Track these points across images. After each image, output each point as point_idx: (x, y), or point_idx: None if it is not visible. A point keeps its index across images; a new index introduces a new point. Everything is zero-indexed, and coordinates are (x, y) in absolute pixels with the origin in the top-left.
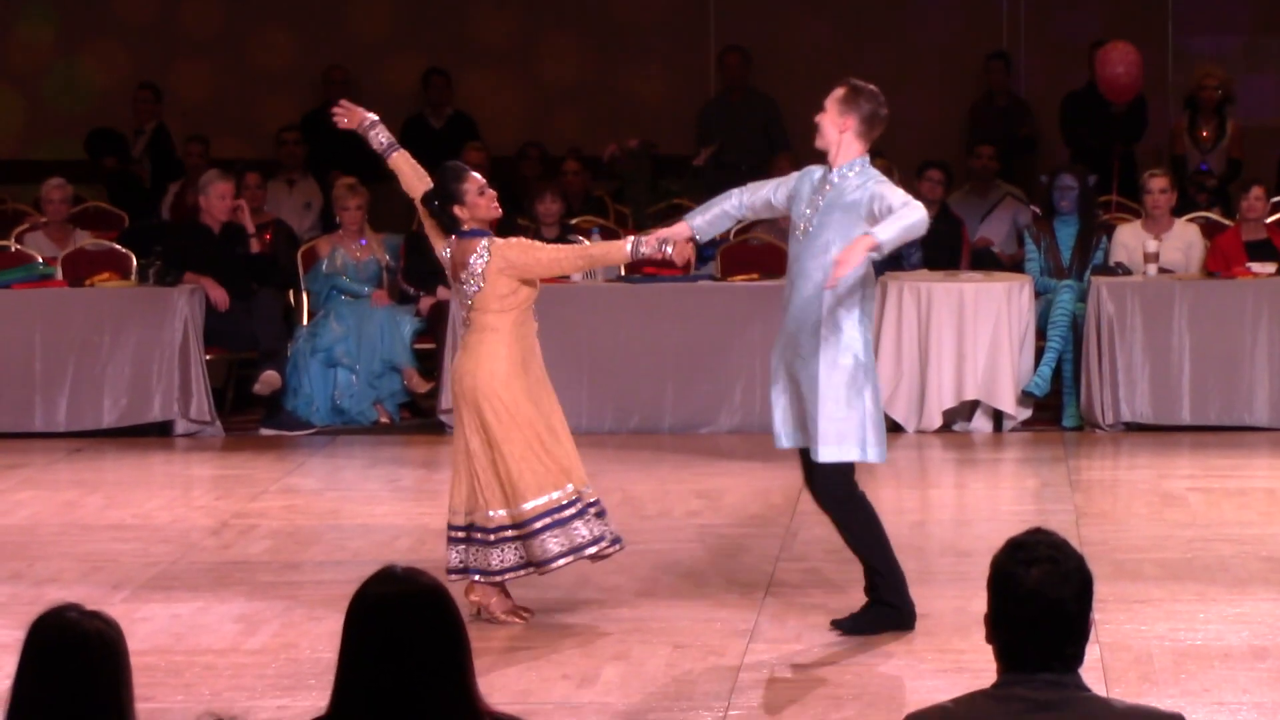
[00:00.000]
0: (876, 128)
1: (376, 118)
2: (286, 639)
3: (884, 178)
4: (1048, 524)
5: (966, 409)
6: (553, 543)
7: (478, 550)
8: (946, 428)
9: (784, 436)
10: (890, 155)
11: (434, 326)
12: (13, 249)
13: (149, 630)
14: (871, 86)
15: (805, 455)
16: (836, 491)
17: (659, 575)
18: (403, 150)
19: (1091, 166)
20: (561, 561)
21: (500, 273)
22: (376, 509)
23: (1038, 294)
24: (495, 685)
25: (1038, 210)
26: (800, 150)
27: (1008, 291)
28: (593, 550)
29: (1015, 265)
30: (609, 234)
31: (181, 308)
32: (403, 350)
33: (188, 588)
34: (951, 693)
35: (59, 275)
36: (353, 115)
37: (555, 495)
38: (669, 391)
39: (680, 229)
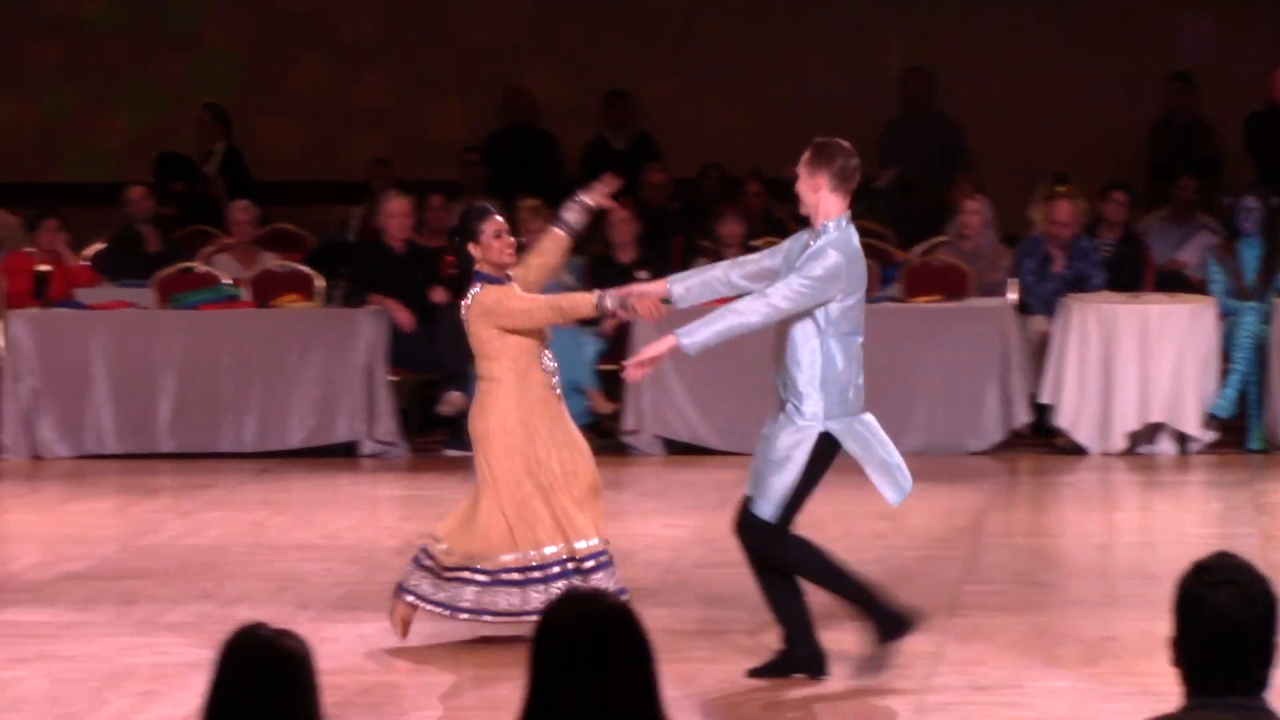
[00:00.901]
0: (851, 179)
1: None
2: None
3: (844, 243)
4: (1233, 547)
5: (1150, 431)
6: (503, 598)
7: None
8: (1130, 450)
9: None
10: (1075, 176)
11: (617, 348)
12: (200, 270)
13: (336, 650)
14: (839, 141)
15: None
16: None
17: None
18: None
19: (1275, 188)
20: (489, 619)
21: (479, 319)
22: None
23: (1222, 316)
24: (682, 707)
25: (1221, 232)
26: (982, 171)
27: (1191, 314)
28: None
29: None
30: None
31: (366, 329)
32: (586, 372)
33: (374, 608)
34: (1137, 716)
35: (246, 296)
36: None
37: (531, 554)
38: None
39: (655, 287)
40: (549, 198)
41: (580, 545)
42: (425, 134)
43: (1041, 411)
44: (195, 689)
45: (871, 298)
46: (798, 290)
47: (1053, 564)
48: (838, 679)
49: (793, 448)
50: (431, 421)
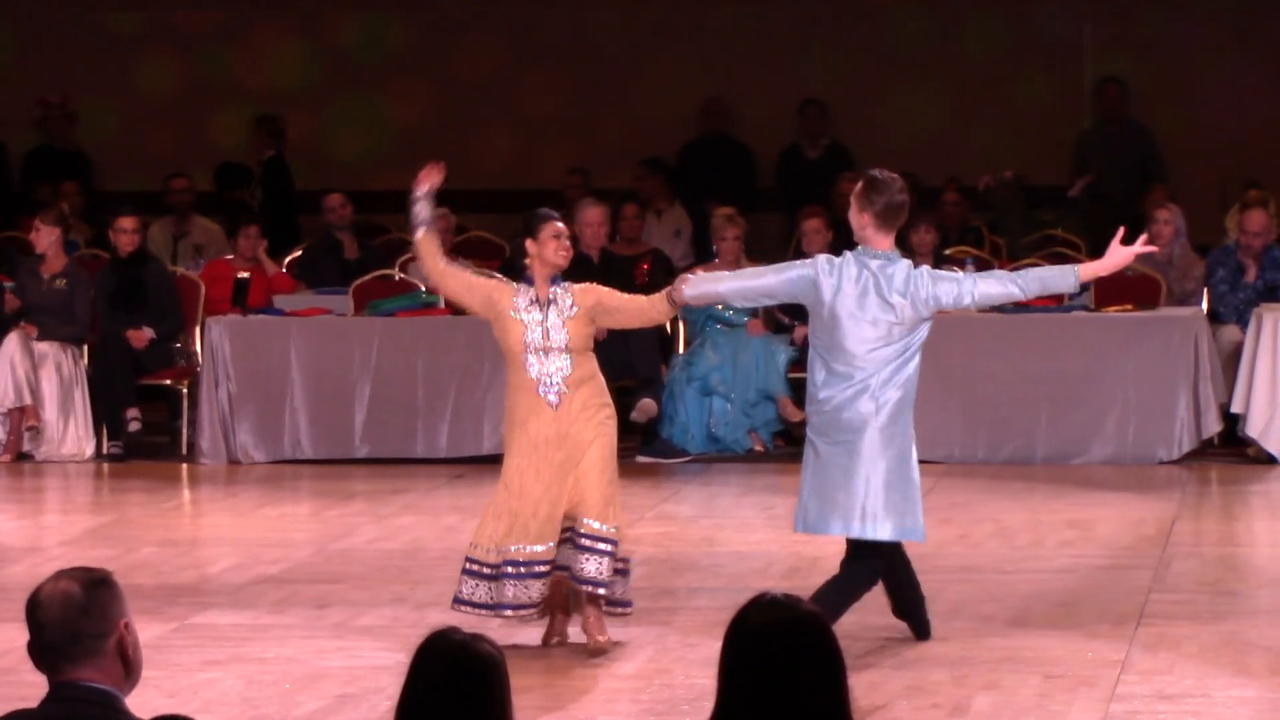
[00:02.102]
0: (895, 218)
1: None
2: (660, 664)
3: (920, 270)
4: None
5: None
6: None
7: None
8: None
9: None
10: (1270, 186)
11: (809, 356)
12: (397, 278)
13: (525, 655)
14: (890, 177)
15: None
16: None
17: (1031, 604)
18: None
19: None
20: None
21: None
22: (751, 536)
23: None
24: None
25: None
26: (1175, 181)
27: None
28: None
29: None
30: (983, 264)
31: None
32: (777, 379)
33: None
34: None
35: (441, 304)
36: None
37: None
38: (1042, 421)
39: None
40: (743, 206)
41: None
42: (620, 142)
43: (1233, 421)
44: (388, 692)
45: (1063, 307)
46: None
47: (1241, 573)
48: (1030, 688)
49: None
50: (624, 428)
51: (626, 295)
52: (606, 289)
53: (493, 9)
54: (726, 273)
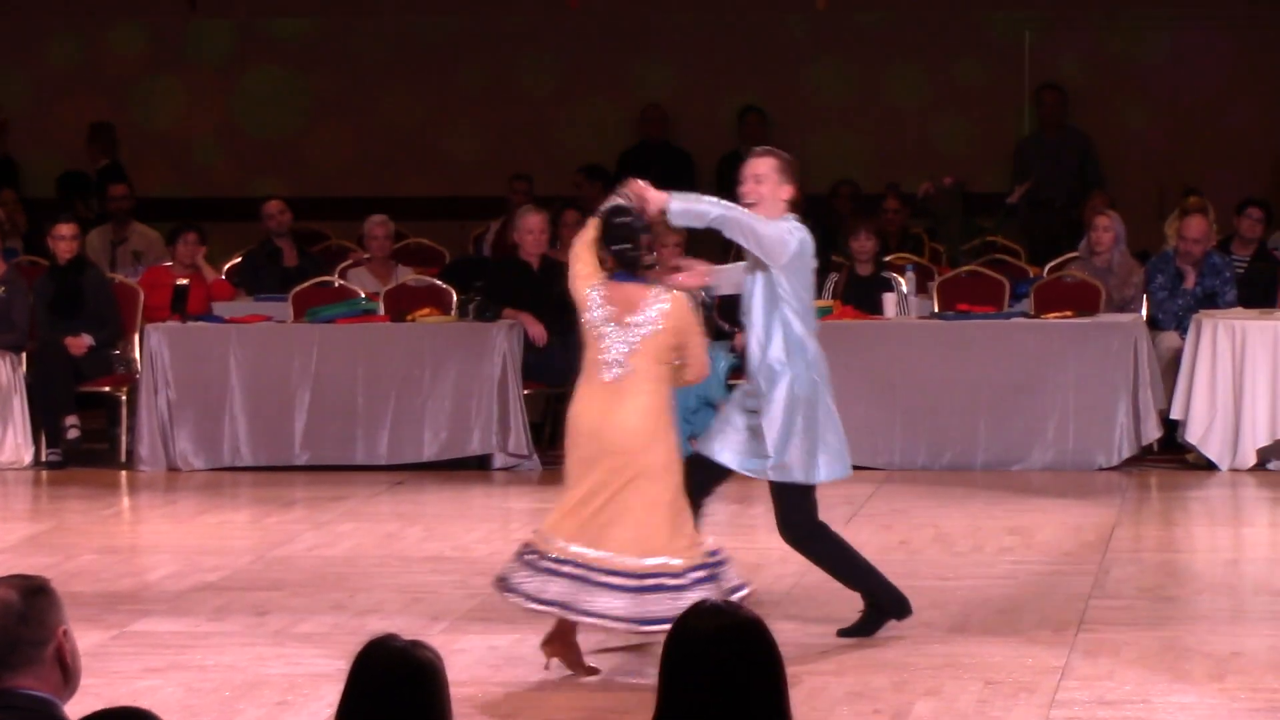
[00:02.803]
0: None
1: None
2: (602, 668)
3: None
4: None
5: None
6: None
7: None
8: (1261, 466)
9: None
10: (1210, 193)
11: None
12: (336, 284)
13: (467, 661)
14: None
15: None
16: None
17: (971, 611)
18: None
19: None
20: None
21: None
22: None
23: None
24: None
25: None
26: (1115, 188)
27: None
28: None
29: None
30: (923, 271)
31: (500, 342)
32: (718, 386)
33: (506, 620)
34: None
35: (381, 310)
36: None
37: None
38: (982, 428)
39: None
40: None
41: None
42: (560, 151)
43: (1172, 427)
44: (328, 699)
45: (1003, 313)
46: None
47: (1181, 579)
48: (970, 694)
49: None
50: (564, 435)
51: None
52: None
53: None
54: (717, 199)
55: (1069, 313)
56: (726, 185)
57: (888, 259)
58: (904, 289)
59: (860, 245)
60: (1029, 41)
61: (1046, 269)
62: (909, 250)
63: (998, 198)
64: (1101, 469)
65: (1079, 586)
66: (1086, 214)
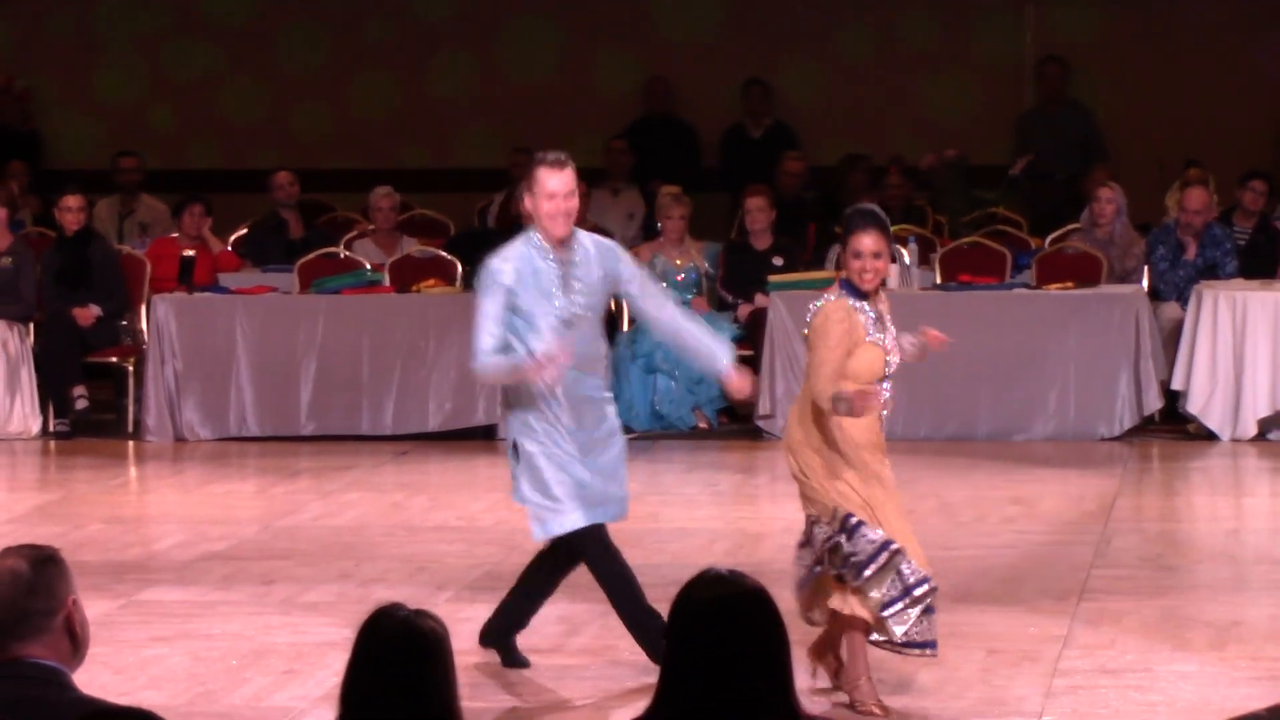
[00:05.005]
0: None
1: None
2: (607, 641)
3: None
4: None
5: None
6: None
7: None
8: (1261, 436)
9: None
10: (1212, 165)
11: (752, 333)
12: (342, 255)
13: (472, 631)
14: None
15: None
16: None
17: (974, 580)
18: None
19: None
20: None
21: None
22: (695, 513)
23: None
24: (812, 696)
25: None
26: (1116, 159)
27: None
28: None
29: None
30: (925, 243)
31: None
32: None
33: (509, 589)
34: (1265, 700)
35: (386, 282)
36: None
37: None
38: (984, 398)
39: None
40: (688, 185)
41: None
42: (568, 122)
43: (1173, 398)
44: (334, 668)
45: (1005, 284)
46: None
47: (1182, 549)
48: (973, 663)
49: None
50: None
51: None
52: None
53: None
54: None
55: (1070, 284)
56: (730, 157)
57: (891, 231)
58: (906, 260)
59: None
60: (1031, 14)
61: (1048, 240)
62: (912, 222)
63: (1000, 170)
64: (1103, 439)
65: (1081, 556)
66: (1088, 186)
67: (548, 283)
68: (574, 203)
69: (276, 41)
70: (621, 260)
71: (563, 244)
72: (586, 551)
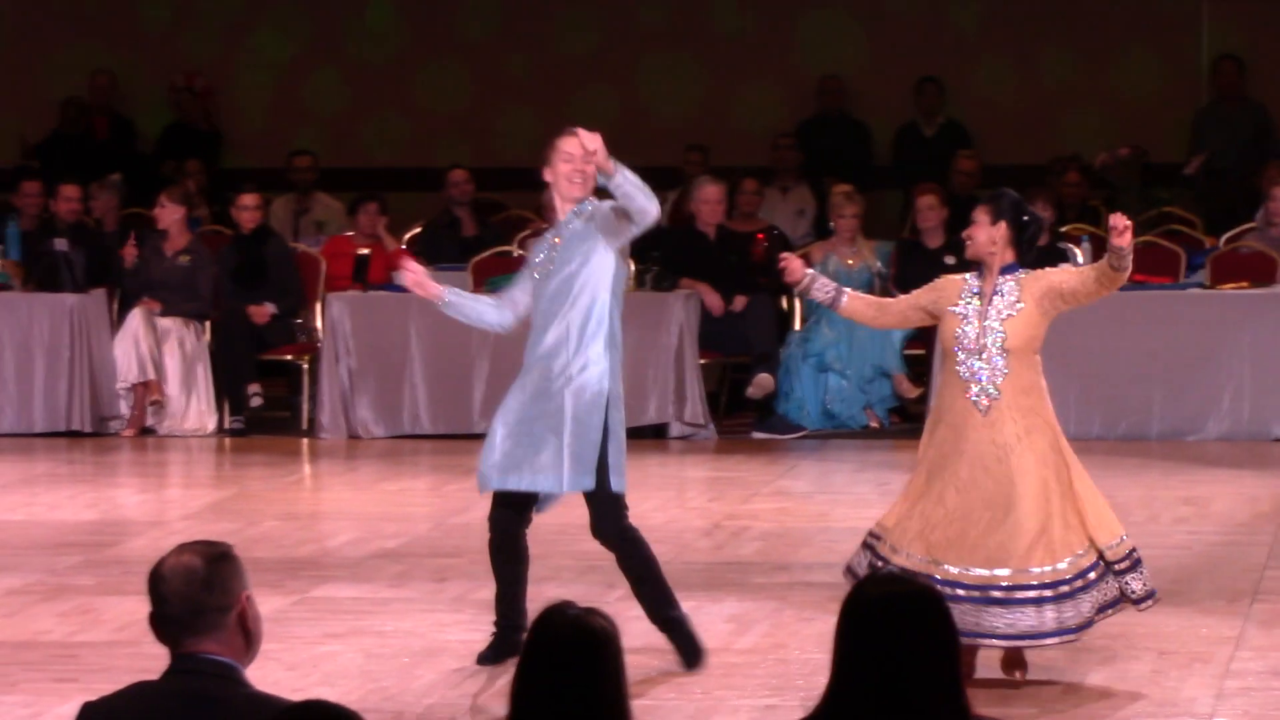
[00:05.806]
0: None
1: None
2: (776, 639)
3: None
4: None
5: None
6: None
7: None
8: None
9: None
10: None
11: (924, 332)
12: (515, 254)
13: (641, 629)
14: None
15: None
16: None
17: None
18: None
19: None
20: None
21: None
22: (866, 512)
23: None
24: (979, 688)
25: None
26: None
27: None
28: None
29: None
30: (1098, 243)
31: (677, 312)
32: (893, 356)
33: (682, 587)
34: None
35: None
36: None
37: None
38: (1157, 398)
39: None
40: (860, 183)
41: None
42: (737, 120)
43: None
44: (506, 666)
45: (1179, 284)
46: None
47: None
48: (1144, 664)
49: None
50: (740, 404)
51: (1076, 274)
52: (1057, 271)
53: None
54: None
55: (1245, 283)
56: (902, 155)
57: (1064, 229)
58: (1080, 260)
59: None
60: (1206, 11)
61: (1223, 239)
62: (1086, 222)
63: (1175, 168)
64: (1278, 439)
65: (1254, 557)
66: (1263, 184)
67: (546, 237)
68: (591, 167)
69: (415, 79)
70: (599, 232)
71: (576, 204)
72: (490, 514)
